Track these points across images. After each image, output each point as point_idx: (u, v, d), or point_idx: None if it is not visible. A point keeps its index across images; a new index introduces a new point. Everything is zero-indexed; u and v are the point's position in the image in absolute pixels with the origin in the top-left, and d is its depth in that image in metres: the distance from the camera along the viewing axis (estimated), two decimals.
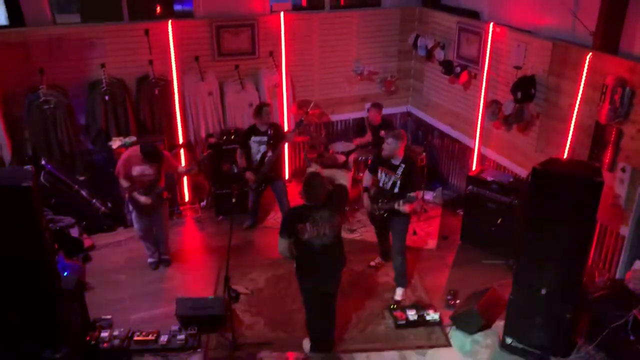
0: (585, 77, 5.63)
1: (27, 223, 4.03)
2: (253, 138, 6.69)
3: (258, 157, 6.73)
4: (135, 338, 5.17)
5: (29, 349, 4.32)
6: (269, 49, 7.81)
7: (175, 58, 7.36)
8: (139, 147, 5.84)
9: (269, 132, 6.64)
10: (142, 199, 5.90)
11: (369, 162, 6.10)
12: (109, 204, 7.03)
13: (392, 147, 5.50)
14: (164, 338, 5.18)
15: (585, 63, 5.60)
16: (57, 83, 6.94)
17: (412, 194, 5.35)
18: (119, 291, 5.96)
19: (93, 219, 6.98)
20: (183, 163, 7.55)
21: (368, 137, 7.82)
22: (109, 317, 5.45)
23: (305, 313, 5.01)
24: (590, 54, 5.54)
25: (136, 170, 5.83)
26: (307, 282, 4.82)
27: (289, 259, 4.78)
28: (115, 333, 5.19)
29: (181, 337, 5.19)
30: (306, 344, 5.14)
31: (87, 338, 5.12)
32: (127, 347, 5.10)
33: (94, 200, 7.00)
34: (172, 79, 7.42)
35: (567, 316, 4.76)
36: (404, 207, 5.38)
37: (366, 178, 5.92)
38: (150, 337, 5.17)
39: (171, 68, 7.38)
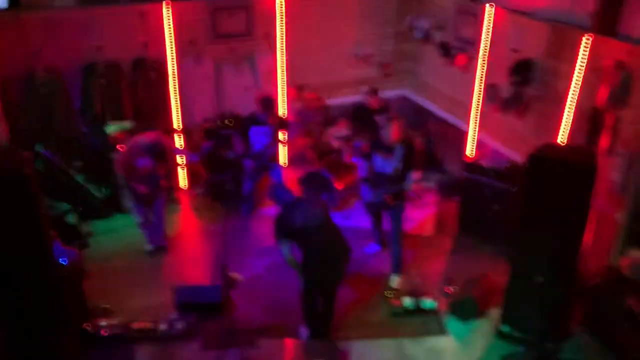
0: (584, 60, 5.58)
1: (24, 210, 4.02)
2: (254, 128, 6.65)
3: (259, 146, 6.70)
4: (134, 326, 5.19)
5: (28, 335, 4.35)
6: (265, 31, 7.70)
7: (170, 41, 7.26)
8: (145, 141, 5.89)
9: (270, 123, 6.60)
10: (142, 188, 5.91)
11: (363, 148, 6.07)
12: (105, 190, 7.01)
13: (388, 132, 5.51)
14: (162, 325, 5.21)
15: (583, 46, 5.54)
16: (53, 66, 6.86)
17: (419, 175, 5.46)
18: (117, 278, 5.95)
19: (89, 205, 6.96)
20: (180, 147, 7.53)
21: (344, 127, 7.86)
22: (107, 305, 5.47)
23: (303, 304, 5.05)
24: (589, 36, 5.48)
25: (140, 162, 5.87)
26: (315, 275, 4.85)
27: (295, 269, 4.90)
28: (114, 321, 5.22)
29: (179, 324, 5.22)
30: (303, 331, 5.19)
31: (86, 326, 5.15)
32: (126, 335, 5.14)
33: (90, 186, 6.97)
34: (168, 62, 7.33)
35: (563, 303, 4.80)
36: (412, 186, 5.52)
37: (362, 168, 5.90)
38: (148, 325, 5.20)
39: (167, 51, 7.28)
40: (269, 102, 6.61)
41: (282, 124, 6.86)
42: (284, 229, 4.76)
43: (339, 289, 5.05)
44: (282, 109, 7.95)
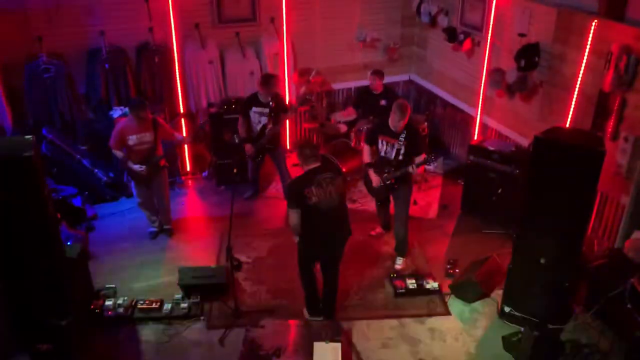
0: (590, 44, 5.54)
1: (29, 193, 4.05)
2: (254, 108, 6.62)
3: (258, 127, 6.68)
4: (139, 306, 5.26)
5: (34, 317, 4.39)
6: (270, 16, 7.69)
7: (175, 25, 7.25)
8: (129, 108, 5.84)
9: (270, 103, 6.56)
10: (136, 167, 5.89)
11: (369, 131, 6.06)
12: (111, 174, 7.05)
13: (399, 118, 5.46)
14: (167, 306, 5.28)
15: (590, 30, 5.50)
16: (56, 51, 6.88)
17: (423, 157, 5.41)
18: (122, 260, 6.02)
19: (95, 188, 7.01)
20: (184, 132, 7.52)
21: (352, 114, 7.84)
22: (112, 285, 5.53)
23: (302, 280, 5.15)
24: (596, 20, 5.44)
25: (132, 139, 5.80)
26: (312, 251, 4.93)
27: (297, 235, 4.89)
28: (119, 301, 5.28)
29: (184, 305, 5.28)
30: (307, 312, 5.24)
31: (92, 306, 5.21)
32: (131, 315, 5.20)
33: (95, 170, 7.01)
34: (173, 47, 7.33)
35: (566, 285, 4.80)
36: (416, 170, 5.49)
37: (366, 153, 5.89)
38: (154, 306, 5.26)
39: (171, 36, 7.27)
40: (269, 79, 6.54)
41: (282, 105, 6.74)
42: (297, 198, 4.68)
43: (338, 267, 5.10)
44: (287, 93, 7.97)
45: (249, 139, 6.74)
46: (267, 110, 6.57)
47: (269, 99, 6.56)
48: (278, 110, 6.62)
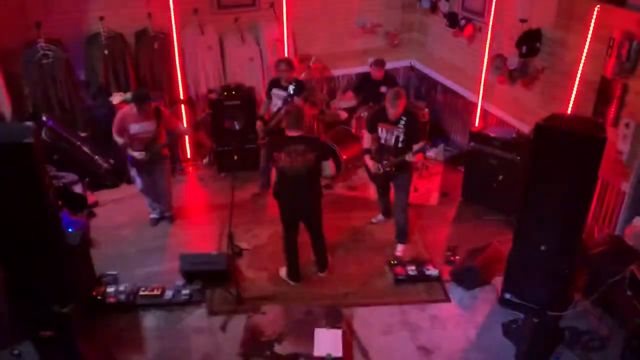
0: (592, 30, 5.51)
1: (30, 180, 4.05)
2: (274, 90, 6.61)
3: (275, 110, 6.62)
4: (141, 293, 5.27)
5: (36, 304, 4.42)
6: (270, 1, 7.62)
7: (174, 11, 7.19)
8: (133, 98, 5.75)
9: (289, 88, 6.47)
10: (136, 154, 5.86)
11: (368, 119, 6.03)
12: (112, 161, 7.04)
13: (393, 107, 5.44)
14: (169, 293, 5.30)
15: (592, 16, 5.46)
16: (54, 37, 6.83)
17: (421, 145, 5.42)
18: (124, 247, 6.03)
19: (96, 175, 7.00)
20: (184, 119, 7.50)
21: (352, 100, 7.81)
22: (114, 272, 5.54)
23: (283, 244, 5.51)
24: (598, 6, 5.40)
25: (133, 128, 5.76)
26: (285, 210, 5.34)
27: None
28: (121, 288, 5.30)
29: (186, 292, 5.30)
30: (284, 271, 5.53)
31: (94, 293, 5.23)
32: (133, 302, 5.22)
33: (96, 157, 7.00)
34: (172, 33, 7.28)
35: (566, 272, 4.82)
36: (414, 158, 5.48)
37: (366, 139, 5.87)
38: (155, 292, 5.28)
39: (170, 21, 7.22)
40: (278, 63, 6.53)
41: (299, 88, 6.59)
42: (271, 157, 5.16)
43: (319, 224, 5.45)
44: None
45: (262, 118, 6.71)
46: (284, 94, 6.49)
47: (289, 83, 6.48)
48: (296, 93, 6.50)
